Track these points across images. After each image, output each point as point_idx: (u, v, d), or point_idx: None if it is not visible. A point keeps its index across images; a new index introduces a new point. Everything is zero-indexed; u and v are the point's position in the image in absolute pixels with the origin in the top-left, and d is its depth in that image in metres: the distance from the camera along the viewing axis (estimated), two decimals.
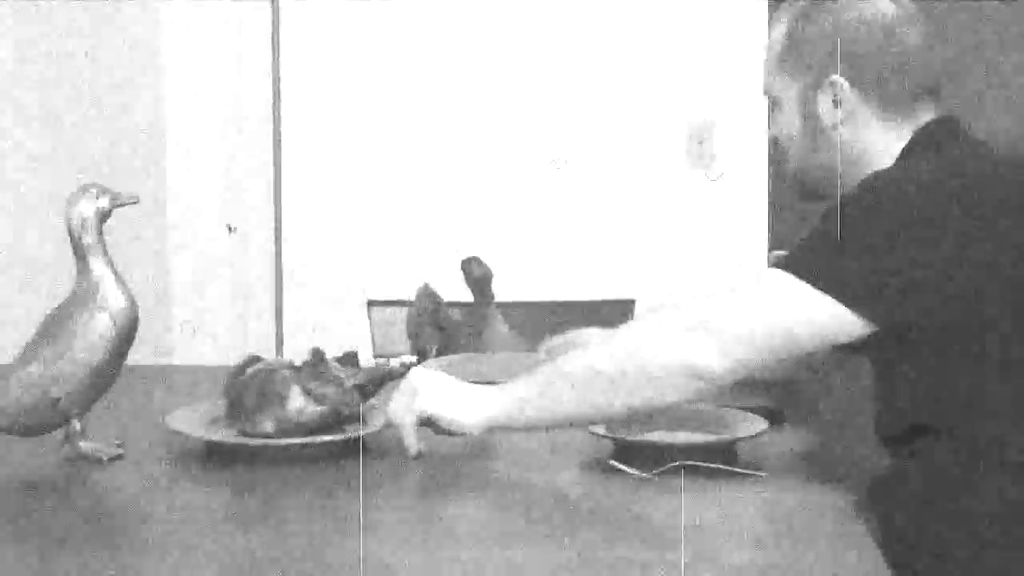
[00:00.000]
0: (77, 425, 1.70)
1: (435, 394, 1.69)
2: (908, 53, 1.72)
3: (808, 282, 1.56)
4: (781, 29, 1.79)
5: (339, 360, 1.83)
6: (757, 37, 3.49)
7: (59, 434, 1.85)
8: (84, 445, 1.70)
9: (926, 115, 1.74)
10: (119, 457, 1.72)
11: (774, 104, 1.82)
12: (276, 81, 3.58)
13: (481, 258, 2.47)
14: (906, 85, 1.72)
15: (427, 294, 2.40)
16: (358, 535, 1.42)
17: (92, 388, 1.69)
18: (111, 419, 1.95)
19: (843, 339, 1.57)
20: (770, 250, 3.55)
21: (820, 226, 1.60)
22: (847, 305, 1.55)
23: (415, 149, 3.60)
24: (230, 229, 3.41)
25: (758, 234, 3.54)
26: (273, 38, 3.57)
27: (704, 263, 3.55)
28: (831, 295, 1.55)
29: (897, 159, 1.73)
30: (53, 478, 1.64)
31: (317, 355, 1.78)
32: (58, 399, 1.67)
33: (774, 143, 1.85)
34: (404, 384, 1.72)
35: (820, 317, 1.56)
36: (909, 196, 1.57)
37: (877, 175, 1.62)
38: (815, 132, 1.76)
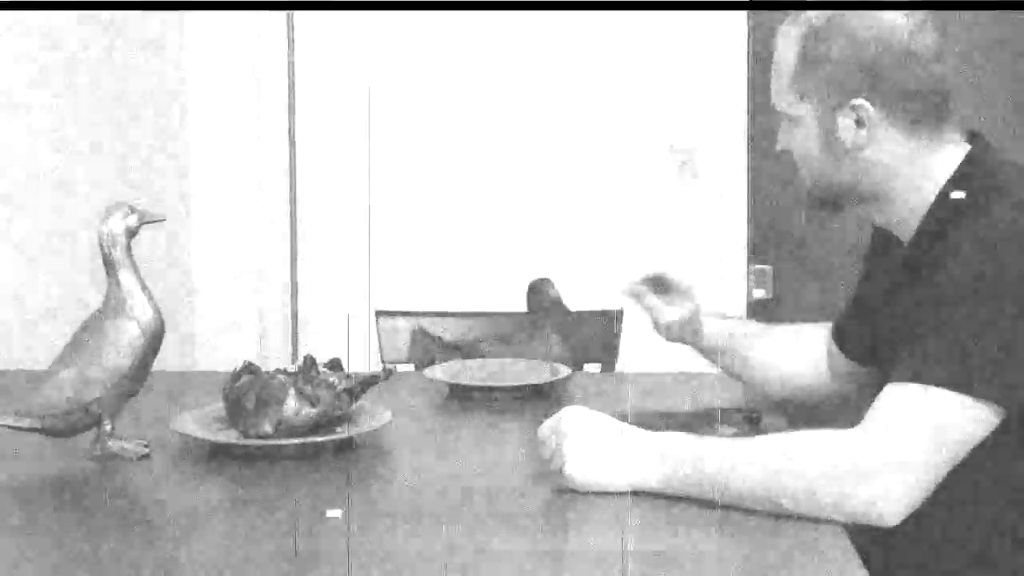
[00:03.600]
0: (107, 427, 1.71)
1: (579, 453, 1.54)
2: (927, 63, 1.58)
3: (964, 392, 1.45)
4: (791, 47, 1.63)
5: (327, 366, 1.85)
6: (736, 61, 3.49)
7: (90, 435, 1.83)
8: (114, 445, 1.72)
9: (950, 125, 1.62)
10: (146, 456, 1.73)
11: (786, 119, 1.67)
12: (291, 98, 3.60)
13: (551, 280, 2.45)
14: (929, 98, 1.60)
15: (555, 302, 2.38)
16: (350, 525, 1.44)
17: (121, 392, 1.71)
18: (129, 421, 1.97)
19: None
20: (749, 262, 3.56)
21: (937, 321, 1.48)
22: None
23: (421, 169, 3.61)
24: None
25: (738, 247, 3.53)
26: (289, 53, 3.58)
27: (687, 275, 3.55)
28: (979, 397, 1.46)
29: (945, 190, 1.59)
30: (83, 475, 1.66)
31: (309, 361, 1.80)
32: (89, 402, 1.69)
33: (785, 155, 1.71)
34: (560, 422, 1.57)
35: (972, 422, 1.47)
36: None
37: (968, 251, 1.50)
38: (835, 152, 1.63)
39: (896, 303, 1.69)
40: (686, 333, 2.01)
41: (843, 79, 1.59)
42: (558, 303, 2.38)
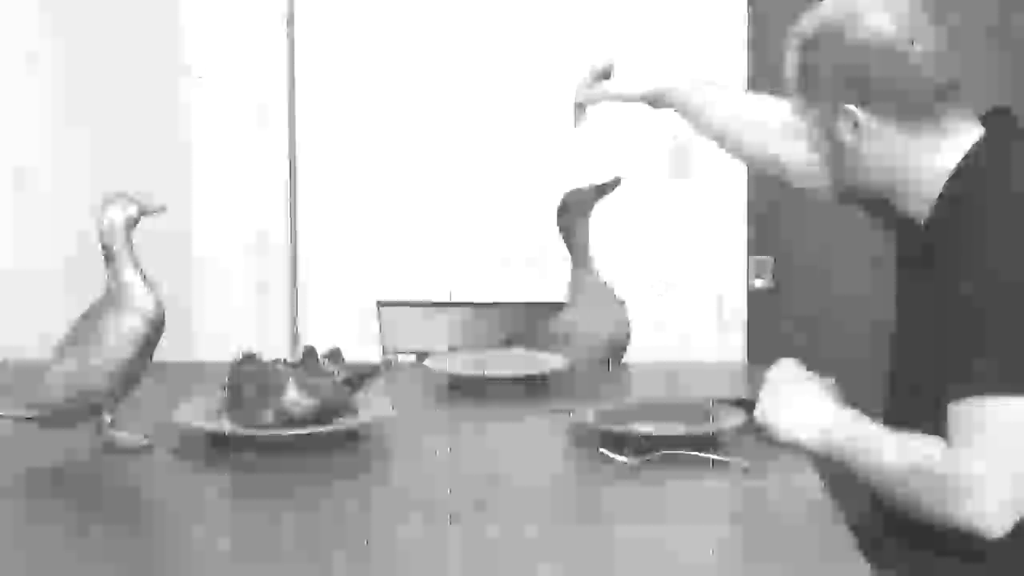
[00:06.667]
0: (108, 417, 1.71)
1: (771, 402, 1.72)
2: (913, 65, 1.62)
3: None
4: (792, 58, 1.72)
5: (326, 357, 1.84)
6: (735, 49, 3.48)
7: (91, 426, 1.82)
8: (115, 435, 1.71)
9: (951, 113, 1.65)
10: (147, 447, 1.72)
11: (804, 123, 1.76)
12: (291, 90, 3.59)
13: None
14: (919, 95, 1.64)
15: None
16: (351, 515, 1.45)
17: (122, 383, 1.70)
18: (129, 412, 1.96)
19: None
20: (749, 252, 3.55)
21: (981, 327, 1.52)
22: None
23: (423, 159, 3.60)
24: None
25: (738, 241, 3.52)
26: (289, 45, 3.57)
27: (688, 268, 3.55)
28: None
29: (950, 181, 1.63)
30: (83, 466, 1.66)
31: (309, 352, 1.80)
32: (90, 393, 1.68)
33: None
34: (773, 380, 1.75)
35: None
36: None
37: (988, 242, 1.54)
38: (841, 152, 1.70)
39: (917, 292, 1.72)
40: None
41: (833, 87, 1.66)
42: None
